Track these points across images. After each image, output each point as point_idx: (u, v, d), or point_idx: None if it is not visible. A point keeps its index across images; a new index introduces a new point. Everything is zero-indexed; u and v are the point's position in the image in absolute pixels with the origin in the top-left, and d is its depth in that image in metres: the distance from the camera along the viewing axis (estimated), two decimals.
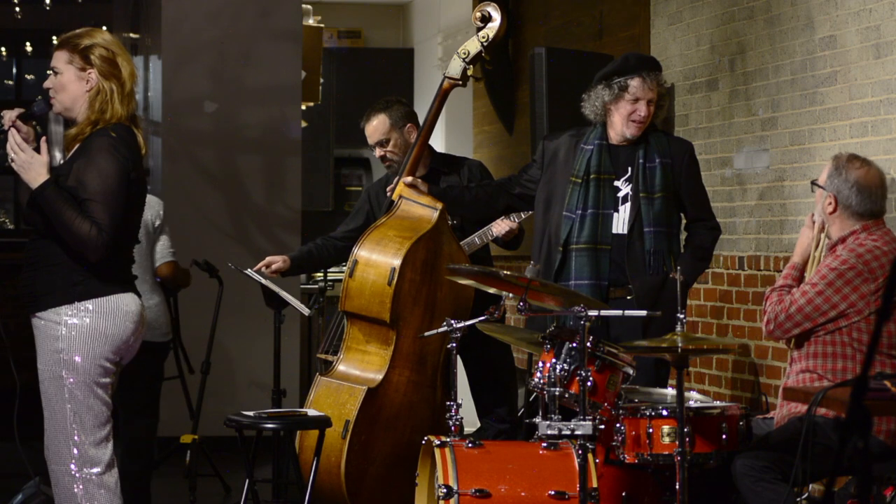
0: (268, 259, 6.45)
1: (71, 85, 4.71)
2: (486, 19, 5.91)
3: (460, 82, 5.97)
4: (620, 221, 5.60)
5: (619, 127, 5.64)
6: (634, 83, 5.60)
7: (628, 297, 5.55)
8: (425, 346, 5.77)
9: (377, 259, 5.75)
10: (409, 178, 5.92)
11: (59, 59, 4.74)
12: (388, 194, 6.08)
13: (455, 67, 5.94)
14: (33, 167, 4.60)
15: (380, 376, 5.71)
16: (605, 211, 5.60)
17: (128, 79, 4.73)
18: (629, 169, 5.62)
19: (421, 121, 6.17)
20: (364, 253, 5.78)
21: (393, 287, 5.67)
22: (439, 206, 5.86)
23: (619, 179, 5.63)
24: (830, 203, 4.95)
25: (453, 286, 5.74)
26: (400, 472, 5.67)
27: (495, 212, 6.10)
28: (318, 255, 6.52)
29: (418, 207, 5.88)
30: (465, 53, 5.91)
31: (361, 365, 5.78)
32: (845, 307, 4.83)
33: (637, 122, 5.61)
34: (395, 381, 5.74)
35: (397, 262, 5.69)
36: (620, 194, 5.62)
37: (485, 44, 5.89)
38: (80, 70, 4.70)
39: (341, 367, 5.82)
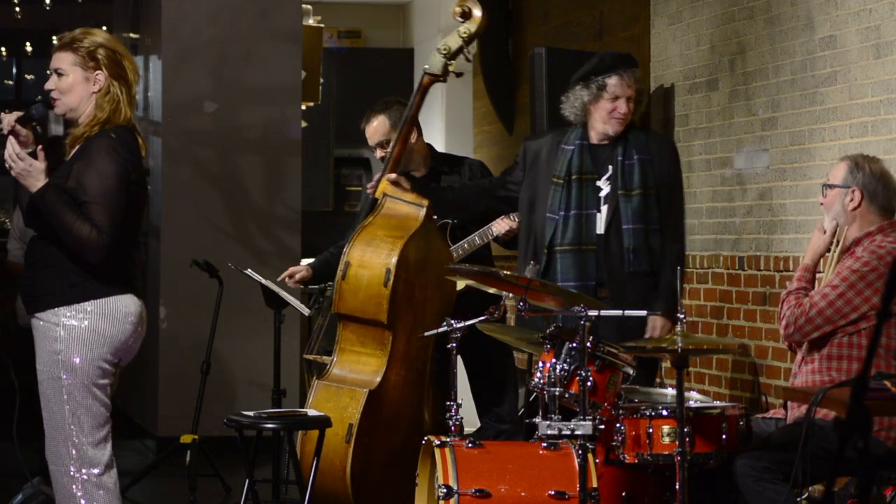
0: (291, 269, 6.46)
1: (78, 87, 4.69)
2: (467, 15, 5.91)
3: (441, 78, 5.95)
4: (603, 221, 5.64)
5: (601, 125, 5.69)
6: (612, 81, 5.66)
7: (605, 297, 5.56)
8: (417, 344, 5.76)
9: (370, 260, 5.72)
10: (393, 176, 5.88)
11: (64, 60, 4.70)
12: (371, 193, 6.04)
13: (436, 63, 5.93)
14: (31, 175, 4.59)
15: (378, 377, 5.69)
16: (587, 211, 5.64)
17: (133, 81, 4.73)
18: (609, 168, 5.67)
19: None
20: (356, 254, 5.74)
21: (389, 288, 5.65)
22: (425, 203, 5.83)
23: (600, 179, 5.68)
24: (853, 199, 4.92)
25: (438, 283, 5.75)
26: (397, 470, 5.68)
27: (476, 213, 6.12)
28: (336, 263, 6.50)
29: (404, 205, 5.85)
30: (445, 49, 5.91)
31: (358, 367, 5.76)
32: (867, 309, 4.81)
33: (618, 119, 5.65)
34: (392, 380, 5.72)
35: (392, 263, 5.67)
36: (602, 194, 5.67)
37: (466, 39, 5.89)
38: (88, 71, 4.69)
39: (337, 371, 5.79)
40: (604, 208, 5.64)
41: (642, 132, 5.83)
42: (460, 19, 5.90)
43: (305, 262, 6.89)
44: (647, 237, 5.62)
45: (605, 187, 5.67)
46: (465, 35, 5.87)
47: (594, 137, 5.71)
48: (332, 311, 5.87)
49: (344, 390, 5.69)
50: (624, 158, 5.64)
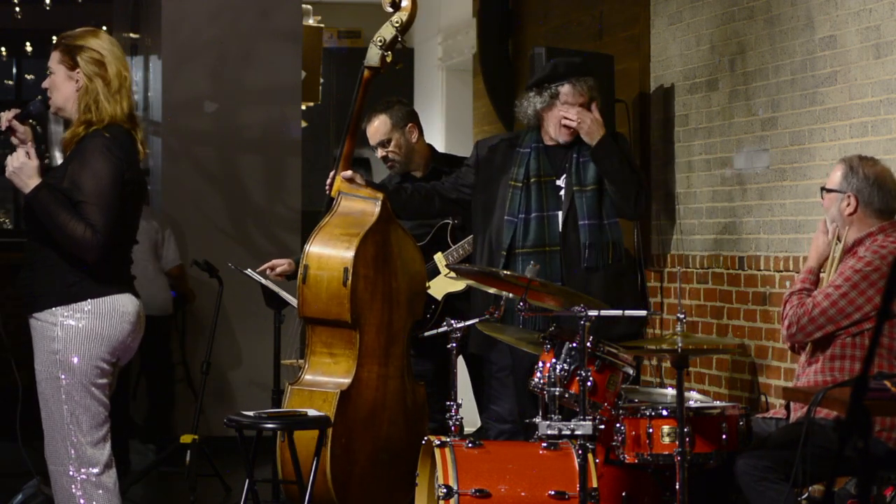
0: (273, 262, 6.44)
1: (62, 85, 4.72)
2: (396, 5, 5.93)
3: (380, 70, 5.96)
4: (562, 219, 5.68)
5: (553, 132, 5.74)
6: (564, 90, 5.71)
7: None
8: (388, 338, 5.76)
9: (328, 260, 5.70)
10: (348, 173, 5.88)
11: (53, 59, 4.76)
12: (327, 191, 6.04)
13: (373, 56, 5.93)
14: (24, 172, 4.60)
15: (350, 377, 5.67)
16: (549, 213, 5.69)
17: (114, 78, 4.69)
18: (566, 167, 5.71)
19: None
20: (314, 256, 5.73)
21: (349, 287, 5.64)
22: (380, 196, 5.83)
23: (559, 179, 5.72)
24: (849, 204, 4.92)
25: (406, 273, 5.76)
26: (383, 467, 5.68)
27: (430, 214, 6.13)
28: None
29: (359, 201, 5.85)
30: (380, 41, 5.91)
31: (329, 368, 5.74)
32: (870, 309, 4.80)
33: (569, 128, 5.68)
34: (365, 378, 5.71)
35: (349, 262, 5.66)
36: (562, 193, 5.70)
37: (399, 28, 5.90)
38: (69, 70, 4.71)
39: (309, 375, 5.77)
40: (564, 207, 5.69)
41: None
42: (391, 9, 5.92)
43: None
44: (602, 232, 5.67)
45: (564, 186, 5.72)
46: (397, 24, 5.89)
47: (548, 141, 5.77)
48: (298, 315, 5.86)
49: (316, 393, 5.69)
50: (579, 156, 5.71)
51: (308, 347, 5.81)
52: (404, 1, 5.90)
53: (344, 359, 5.71)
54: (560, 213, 5.69)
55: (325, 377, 5.72)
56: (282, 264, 6.42)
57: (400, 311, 5.77)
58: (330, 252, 5.71)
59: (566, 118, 5.70)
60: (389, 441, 5.69)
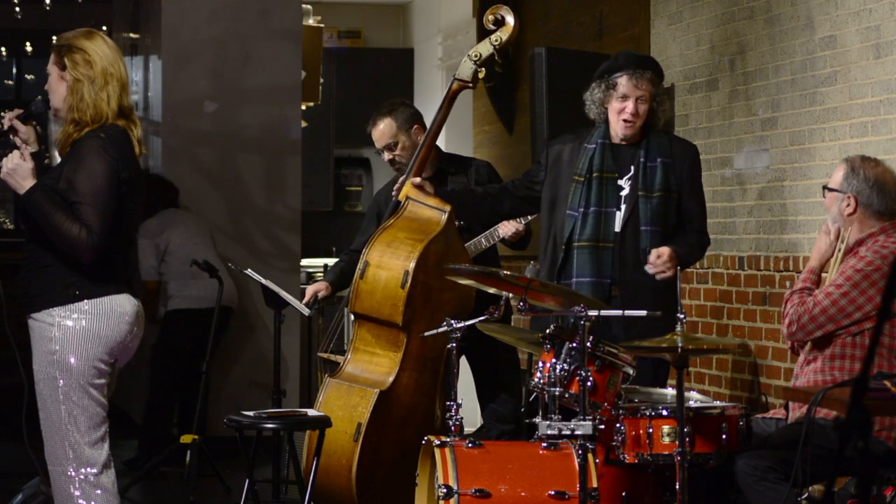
0: (309, 291, 6.46)
1: (55, 86, 4.73)
2: (500, 23, 5.89)
3: (470, 84, 5.95)
4: (620, 220, 5.60)
5: (613, 125, 5.65)
6: (622, 80, 5.60)
7: (617, 296, 5.54)
8: (432, 347, 5.75)
9: (389, 261, 5.71)
10: (418, 179, 5.88)
11: (50, 61, 4.76)
12: (394, 195, 6.05)
13: (466, 70, 5.91)
14: (18, 173, 4.59)
15: (390, 378, 5.68)
16: (607, 209, 5.60)
17: (99, 76, 4.68)
18: (631, 168, 5.62)
19: (428, 122, 6.14)
20: (375, 255, 5.74)
21: (406, 290, 5.64)
22: (447, 208, 5.83)
23: (621, 178, 5.63)
24: (849, 205, 4.92)
25: (456, 287, 5.71)
26: (404, 472, 5.67)
27: (499, 215, 6.09)
28: (350, 271, 6.47)
29: (426, 209, 5.85)
30: (476, 56, 5.89)
31: (371, 367, 5.76)
32: (870, 308, 4.80)
33: (626, 121, 5.59)
34: (404, 382, 5.71)
35: (411, 266, 5.65)
36: (623, 193, 5.62)
37: (497, 47, 5.87)
38: (61, 70, 4.71)
39: (349, 369, 5.79)
40: (624, 207, 5.60)
41: (665, 134, 5.76)
42: (493, 27, 5.89)
43: (309, 259, 6.88)
44: (663, 240, 5.58)
45: (626, 186, 5.63)
46: (496, 43, 5.86)
47: (614, 137, 5.68)
48: (349, 309, 5.86)
49: (355, 389, 5.69)
50: (646, 160, 5.59)
51: (353, 342, 5.83)
52: (509, 20, 5.85)
53: (388, 359, 5.72)
54: (618, 212, 5.61)
55: (367, 373, 5.73)
56: (321, 289, 6.45)
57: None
58: (392, 253, 5.71)
59: (624, 113, 5.60)
60: (414, 448, 5.68)
